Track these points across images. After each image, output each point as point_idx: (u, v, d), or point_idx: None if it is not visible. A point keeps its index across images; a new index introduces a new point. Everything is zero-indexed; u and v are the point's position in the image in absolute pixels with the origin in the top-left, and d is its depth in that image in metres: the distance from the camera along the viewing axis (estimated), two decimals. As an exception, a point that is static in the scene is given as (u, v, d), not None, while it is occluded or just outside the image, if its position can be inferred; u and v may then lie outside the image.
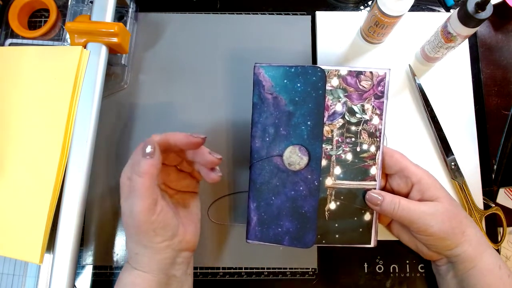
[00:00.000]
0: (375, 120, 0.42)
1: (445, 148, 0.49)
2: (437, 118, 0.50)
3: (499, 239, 0.49)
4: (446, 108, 0.51)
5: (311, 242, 0.41)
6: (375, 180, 0.42)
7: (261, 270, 0.48)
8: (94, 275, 0.48)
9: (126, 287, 0.37)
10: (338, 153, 0.42)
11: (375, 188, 0.42)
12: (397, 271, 0.48)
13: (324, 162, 0.42)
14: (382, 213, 0.42)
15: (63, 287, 0.40)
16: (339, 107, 0.42)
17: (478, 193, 0.49)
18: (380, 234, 0.48)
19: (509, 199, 0.50)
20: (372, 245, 0.43)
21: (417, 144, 0.50)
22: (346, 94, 0.42)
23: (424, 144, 0.50)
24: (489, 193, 0.50)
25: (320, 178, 0.42)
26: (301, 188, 0.41)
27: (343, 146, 0.42)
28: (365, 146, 0.42)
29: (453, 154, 0.49)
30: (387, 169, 0.44)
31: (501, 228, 0.49)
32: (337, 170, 0.42)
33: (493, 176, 0.51)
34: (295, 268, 0.48)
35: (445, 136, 0.50)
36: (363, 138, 0.42)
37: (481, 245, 0.41)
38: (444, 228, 0.40)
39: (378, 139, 0.42)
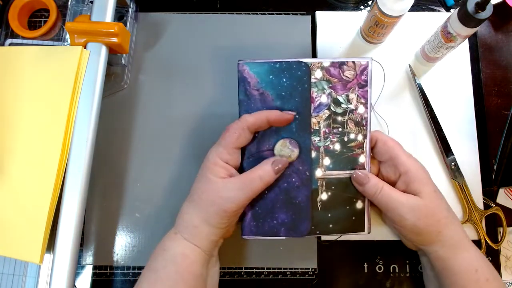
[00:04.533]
0: (361, 109, 0.43)
1: (445, 148, 0.49)
2: (437, 118, 0.50)
3: (499, 239, 0.49)
4: (446, 108, 0.51)
5: (306, 230, 0.42)
6: (364, 169, 0.43)
7: (261, 270, 0.48)
8: (94, 275, 0.48)
9: (176, 256, 0.38)
10: (326, 144, 0.42)
11: None
12: (397, 271, 0.48)
13: (313, 154, 0.42)
14: (364, 194, 0.43)
15: (63, 287, 0.40)
16: (324, 99, 0.42)
17: (478, 193, 0.49)
18: (380, 234, 0.48)
19: (509, 199, 0.50)
20: (366, 232, 0.44)
21: (417, 144, 0.50)
22: (331, 85, 0.42)
23: (424, 144, 0.50)
24: (489, 193, 0.50)
25: (311, 168, 0.42)
26: (293, 179, 0.42)
27: (331, 136, 0.42)
28: (352, 136, 0.43)
29: (453, 154, 0.49)
30: (378, 155, 0.44)
31: (501, 228, 0.49)
32: (326, 161, 0.43)
33: (493, 176, 0.51)
34: (295, 268, 0.48)
35: (445, 136, 0.50)
36: (349, 127, 0.43)
37: (457, 248, 0.40)
38: (419, 224, 0.40)
39: (364, 128, 0.43)
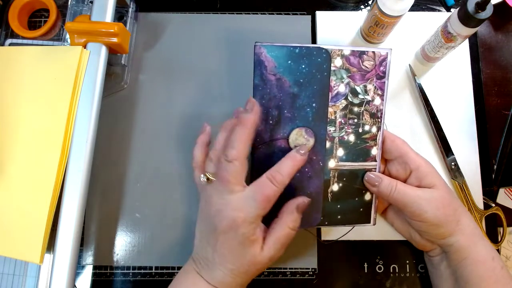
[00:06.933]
0: (377, 101, 0.42)
1: (445, 148, 0.49)
2: (437, 118, 0.50)
3: (499, 239, 0.49)
4: (446, 108, 0.51)
5: (317, 221, 0.42)
6: (375, 161, 0.43)
7: (261, 270, 0.48)
8: (94, 275, 0.48)
9: None
10: (341, 134, 0.42)
11: (375, 169, 0.43)
12: (397, 271, 0.48)
13: (327, 144, 0.41)
14: (378, 195, 0.43)
15: (63, 287, 0.40)
16: (342, 88, 0.41)
17: (478, 193, 0.49)
18: (380, 234, 0.48)
19: (509, 199, 0.50)
20: (371, 223, 0.44)
21: (417, 144, 0.50)
22: (349, 74, 0.41)
23: (424, 144, 0.50)
24: (489, 193, 0.50)
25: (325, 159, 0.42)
26: (306, 169, 0.41)
27: (346, 127, 0.42)
28: (367, 127, 0.42)
29: (453, 154, 0.49)
30: (387, 154, 0.44)
31: (501, 228, 0.49)
32: (340, 152, 0.42)
33: (493, 176, 0.51)
34: (295, 268, 0.48)
35: (445, 136, 0.50)
36: (365, 119, 0.42)
37: (475, 236, 0.41)
38: (438, 215, 0.40)
39: (379, 120, 0.42)
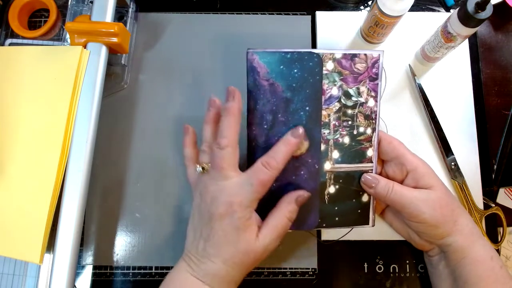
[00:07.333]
0: (371, 102, 0.42)
1: (445, 148, 0.49)
2: (437, 118, 0.50)
3: (499, 239, 0.49)
4: (446, 108, 0.51)
5: (314, 223, 0.42)
6: (371, 162, 0.43)
7: (261, 270, 0.48)
8: (94, 275, 0.48)
9: None
10: (336, 137, 0.42)
11: (372, 170, 0.43)
12: (397, 271, 0.48)
13: (322, 147, 0.42)
14: (375, 196, 0.43)
15: (63, 287, 0.40)
16: (335, 91, 0.42)
17: (478, 193, 0.49)
18: (380, 234, 0.48)
19: (509, 199, 0.50)
20: (370, 225, 0.44)
21: (417, 144, 0.50)
22: (342, 77, 0.42)
23: (424, 144, 0.50)
24: (489, 193, 0.50)
25: (320, 161, 0.42)
26: (302, 172, 0.41)
27: (340, 130, 0.42)
28: (361, 129, 0.42)
29: (453, 154, 0.49)
30: (384, 155, 0.44)
31: (501, 228, 0.49)
32: (335, 154, 0.42)
33: (493, 176, 0.51)
34: (295, 268, 0.48)
35: (445, 136, 0.50)
36: (359, 121, 0.42)
37: (473, 236, 0.41)
38: (436, 216, 0.40)
39: (374, 121, 0.43)
